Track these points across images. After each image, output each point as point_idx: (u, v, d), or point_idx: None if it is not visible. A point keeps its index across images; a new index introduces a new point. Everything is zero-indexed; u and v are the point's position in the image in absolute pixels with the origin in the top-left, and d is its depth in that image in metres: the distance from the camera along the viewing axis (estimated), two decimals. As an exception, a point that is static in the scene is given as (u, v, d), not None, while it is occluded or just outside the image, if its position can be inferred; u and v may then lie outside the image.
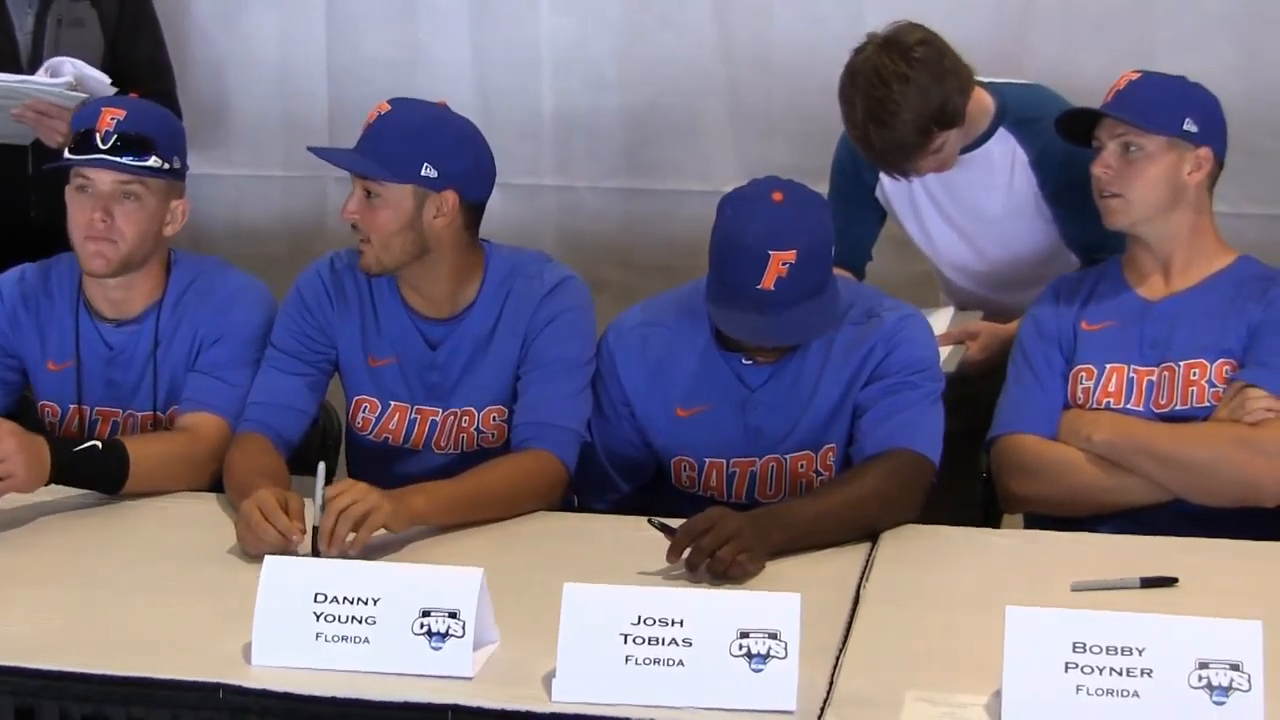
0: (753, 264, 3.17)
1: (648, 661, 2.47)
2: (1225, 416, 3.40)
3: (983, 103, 3.87)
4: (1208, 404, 3.44)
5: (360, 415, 3.56)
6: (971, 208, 3.99)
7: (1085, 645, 2.37)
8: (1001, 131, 3.90)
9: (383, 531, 3.04)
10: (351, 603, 2.59)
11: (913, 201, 4.04)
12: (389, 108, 3.43)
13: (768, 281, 3.17)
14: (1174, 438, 3.41)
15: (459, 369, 3.50)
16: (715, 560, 2.89)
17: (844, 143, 4.01)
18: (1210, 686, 2.33)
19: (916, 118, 3.66)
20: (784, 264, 3.17)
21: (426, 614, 2.55)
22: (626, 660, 2.47)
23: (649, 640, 2.47)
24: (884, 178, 3.98)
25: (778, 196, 3.24)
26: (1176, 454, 3.39)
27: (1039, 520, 3.55)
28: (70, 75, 4.15)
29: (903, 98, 3.64)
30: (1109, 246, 3.73)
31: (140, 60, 4.52)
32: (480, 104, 4.94)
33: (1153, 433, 3.43)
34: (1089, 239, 3.85)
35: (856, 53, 3.74)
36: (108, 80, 4.21)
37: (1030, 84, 4.04)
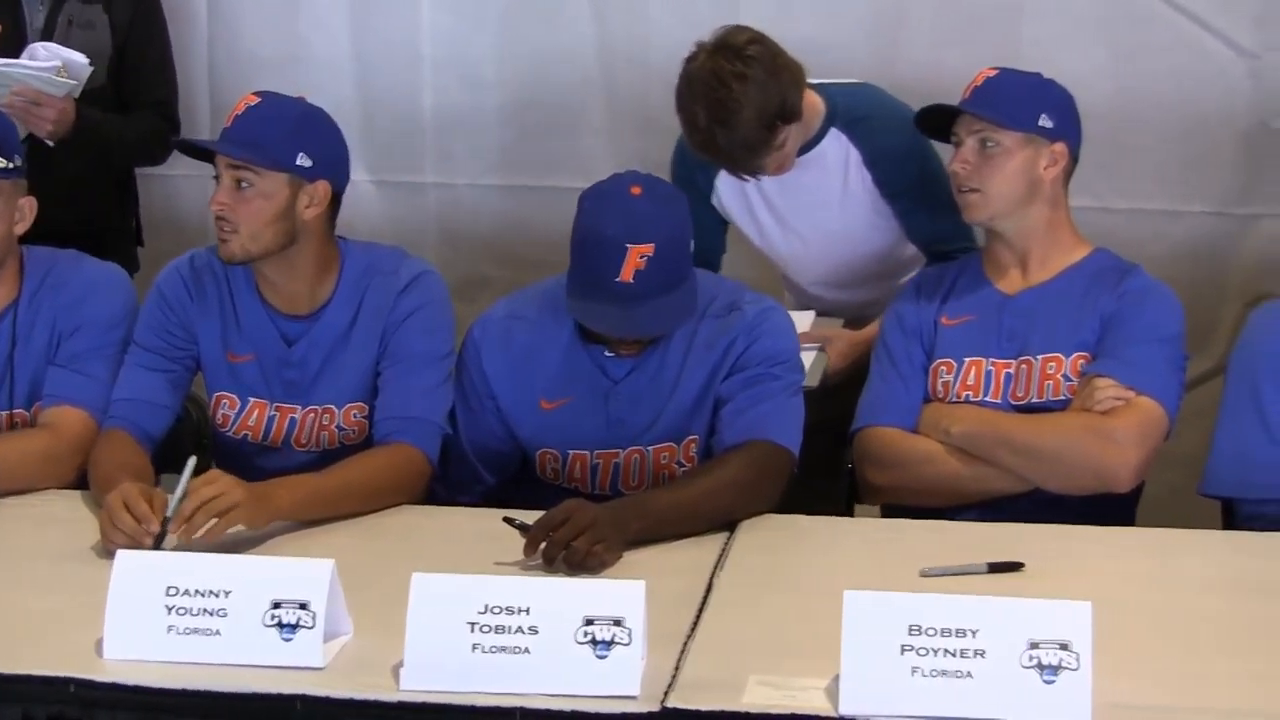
0: (610, 257, 3.21)
1: (494, 650, 2.50)
2: (1078, 407, 3.46)
3: (814, 104, 3.94)
4: (1064, 397, 3.50)
5: (220, 411, 3.57)
6: (809, 210, 4.06)
7: (921, 628, 2.42)
8: (834, 132, 3.97)
9: (240, 527, 3.07)
10: (203, 595, 2.60)
11: (750, 210, 4.11)
12: (257, 99, 3.45)
13: (626, 274, 3.20)
14: (1029, 428, 3.47)
15: (317, 366, 3.51)
16: (571, 551, 2.92)
17: (677, 155, 4.10)
18: (1041, 666, 2.38)
19: (759, 114, 3.72)
20: (642, 256, 3.20)
21: (277, 605, 2.57)
22: (474, 648, 2.50)
23: (496, 629, 2.51)
24: (719, 186, 4.06)
25: (636, 190, 3.27)
26: (1032, 444, 3.44)
27: (903, 510, 3.60)
28: (57, 60, 4.14)
29: (744, 95, 3.70)
30: (950, 239, 3.84)
31: (145, 70, 4.54)
32: (361, 102, 4.97)
33: (1009, 424, 3.49)
34: (930, 233, 3.96)
35: (689, 61, 3.81)
36: (86, 61, 4.20)
37: (858, 83, 4.11)
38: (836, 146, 3.98)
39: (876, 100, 4.04)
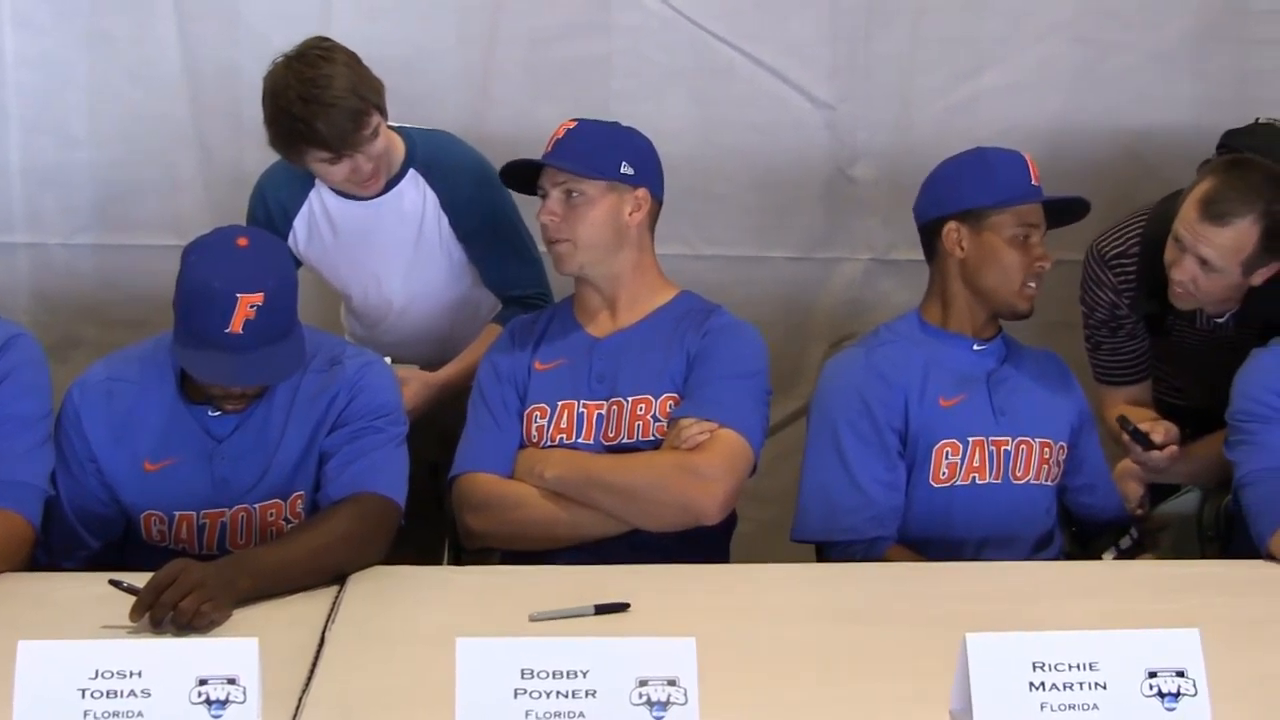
0: (220, 307, 3.21)
1: (107, 715, 2.45)
2: (668, 448, 3.56)
3: (395, 142, 4.03)
4: (654, 437, 3.60)
5: None
6: (384, 251, 4.14)
7: (534, 672, 2.46)
8: (412, 173, 4.07)
9: None
10: None
11: (325, 250, 4.17)
12: None
13: (236, 325, 3.21)
14: (619, 468, 3.56)
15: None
16: (178, 612, 2.89)
17: (257, 197, 4.18)
18: (650, 702, 2.44)
19: (351, 86, 3.82)
20: (252, 306, 3.22)
21: (-128, 684, 2.51)
22: (85, 715, 2.45)
23: (107, 693, 2.46)
24: (297, 227, 4.13)
25: (242, 241, 3.30)
26: (622, 483, 3.53)
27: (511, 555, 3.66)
28: None
29: (333, 71, 3.81)
30: (522, 285, 4.04)
31: None
32: (-51, 162, 4.84)
33: (599, 465, 3.58)
34: (502, 278, 4.14)
35: (269, 72, 3.88)
36: None
37: (435, 130, 4.20)
38: (414, 189, 4.08)
39: (451, 145, 4.16)
